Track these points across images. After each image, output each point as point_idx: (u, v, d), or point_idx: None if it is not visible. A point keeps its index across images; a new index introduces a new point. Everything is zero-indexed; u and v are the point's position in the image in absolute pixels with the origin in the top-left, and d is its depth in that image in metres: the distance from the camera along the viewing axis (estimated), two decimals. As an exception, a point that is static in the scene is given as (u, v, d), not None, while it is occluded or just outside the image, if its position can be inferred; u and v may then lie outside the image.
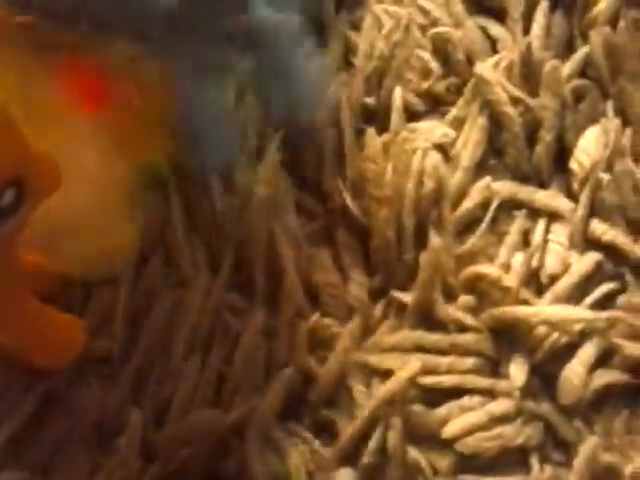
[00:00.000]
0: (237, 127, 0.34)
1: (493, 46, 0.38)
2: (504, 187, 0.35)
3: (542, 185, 0.36)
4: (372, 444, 0.29)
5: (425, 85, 0.38)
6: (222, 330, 0.32)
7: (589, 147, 0.36)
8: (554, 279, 0.33)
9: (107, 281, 0.32)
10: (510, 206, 0.35)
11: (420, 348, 0.32)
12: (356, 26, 0.39)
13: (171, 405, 0.31)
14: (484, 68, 0.37)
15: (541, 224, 0.34)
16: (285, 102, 0.33)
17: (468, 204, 0.35)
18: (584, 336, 0.32)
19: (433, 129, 0.36)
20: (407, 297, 0.33)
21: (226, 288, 0.33)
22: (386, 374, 0.31)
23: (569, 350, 0.32)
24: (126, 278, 0.32)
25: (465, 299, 0.33)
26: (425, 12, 0.39)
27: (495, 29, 0.39)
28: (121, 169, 0.31)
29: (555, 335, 0.31)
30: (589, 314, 0.32)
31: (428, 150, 0.35)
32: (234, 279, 0.33)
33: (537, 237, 0.34)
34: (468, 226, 0.35)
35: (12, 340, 0.29)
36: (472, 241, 0.34)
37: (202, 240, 0.33)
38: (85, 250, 0.30)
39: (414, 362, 0.31)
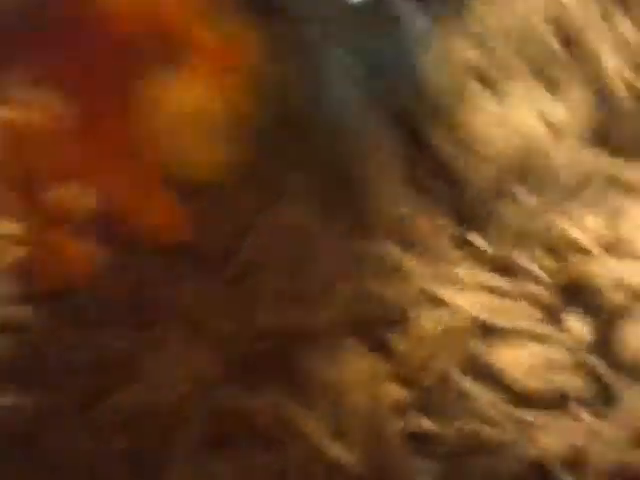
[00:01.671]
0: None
1: (614, 30, 0.39)
2: (601, 159, 0.36)
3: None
4: (433, 369, 0.31)
5: (543, 59, 0.39)
6: (307, 243, 0.35)
7: None
8: (628, 244, 0.33)
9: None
10: (604, 177, 0.35)
11: (490, 289, 0.33)
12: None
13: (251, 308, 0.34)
14: (603, 47, 0.38)
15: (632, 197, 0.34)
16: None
17: (569, 173, 0.35)
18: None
19: (542, 100, 0.37)
20: (487, 247, 0.34)
21: (317, 206, 0.36)
22: (452, 308, 0.32)
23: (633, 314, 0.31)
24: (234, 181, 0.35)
25: (540, 253, 0.34)
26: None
27: (619, 16, 0.39)
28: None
29: (622, 296, 0.31)
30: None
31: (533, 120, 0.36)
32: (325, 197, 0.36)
33: (625, 208, 0.34)
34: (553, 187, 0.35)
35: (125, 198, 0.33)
36: (552, 199, 0.35)
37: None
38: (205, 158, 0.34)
39: (480, 299, 0.32)
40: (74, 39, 0.29)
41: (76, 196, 0.35)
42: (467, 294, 0.33)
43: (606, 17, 0.39)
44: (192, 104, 0.33)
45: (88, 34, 0.29)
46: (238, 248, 0.35)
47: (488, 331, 0.31)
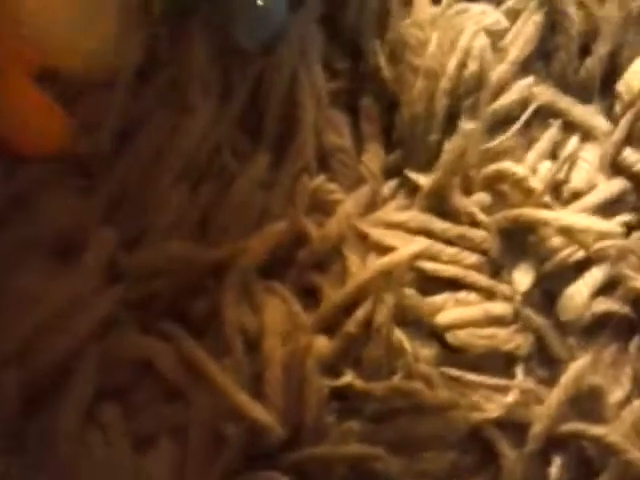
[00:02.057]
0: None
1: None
2: (545, 92, 0.33)
3: (584, 101, 0.33)
4: (358, 315, 0.27)
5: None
6: (218, 167, 0.29)
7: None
8: (577, 196, 0.31)
9: (101, 85, 0.29)
10: (547, 114, 0.33)
11: (426, 232, 0.29)
12: None
13: (147, 232, 0.28)
14: (553, -38, 0.34)
15: (574, 139, 0.32)
16: None
17: (506, 100, 0.32)
18: (595, 259, 0.30)
19: (487, 13, 0.33)
20: (422, 179, 0.31)
21: (233, 124, 0.30)
22: (385, 250, 0.29)
23: (577, 269, 0.30)
24: (122, 85, 0.29)
25: (482, 195, 0.31)
26: None
27: None
28: None
29: (568, 250, 0.30)
30: (612, 226, 0.30)
31: (478, 32, 0.32)
32: (244, 117, 0.30)
33: (567, 150, 0.32)
34: (501, 124, 0.32)
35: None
36: (502, 139, 0.32)
37: (219, 67, 0.30)
38: (81, 42, 0.28)
39: (417, 243, 0.28)
40: None
41: None
42: (401, 235, 0.29)
43: None
44: None
45: None
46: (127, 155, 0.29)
47: (423, 278, 0.28)
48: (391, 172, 0.31)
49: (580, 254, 0.30)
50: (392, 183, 0.31)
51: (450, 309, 0.28)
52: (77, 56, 0.29)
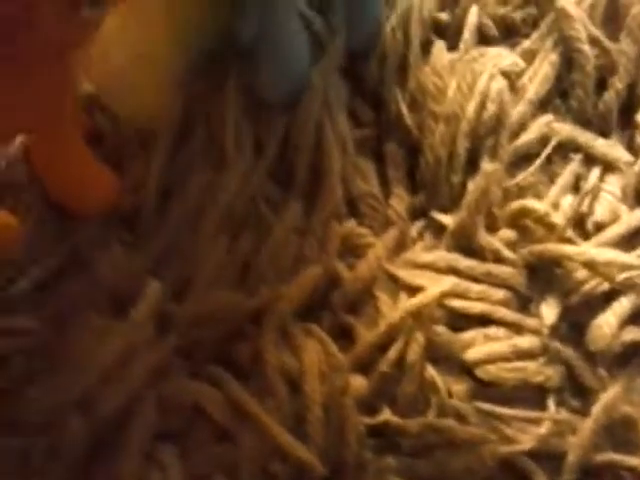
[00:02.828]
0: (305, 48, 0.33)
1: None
2: (564, 128, 0.34)
3: (603, 134, 0.34)
4: (391, 354, 0.29)
5: (502, 11, 0.36)
6: (255, 218, 0.31)
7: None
8: (601, 227, 0.32)
9: (144, 144, 0.32)
10: (567, 148, 0.34)
11: (453, 271, 0.31)
12: None
13: (193, 283, 0.30)
14: (567, 2, 0.35)
15: (595, 171, 0.33)
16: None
17: (526, 138, 0.33)
18: (621, 289, 0.31)
19: (503, 56, 0.35)
20: (447, 219, 0.32)
21: (266, 176, 0.32)
22: (415, 290, 0.30)
23: (604, 300, 0.31)
24: (164, 144, 0.31)
25: (507, 231, 0.32)
26: None
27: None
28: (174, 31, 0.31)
29: (593, 282, 0.30)
30: (635, 260, 0.30)
31: (495, 75, 0.34)
32: (276, 169, 0.32)
33: (590, 183, 0.33)
34: (522, 160, 0.33)
35: (53, 174, 0.30)
36: (524, 176, 0.33)
37: (250, 122, 0.32)
38: (128, 95, 0.30)
39: (445, 282, 0.30)
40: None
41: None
42: (430, 275, 0.31)
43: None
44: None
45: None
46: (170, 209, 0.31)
47: (453, 316, 0.30)
48: (417, 213, 0.33)
49: (606, 285, 0.30)
50: (419, 224, 0.32)
51: (480, 345, 0.29)
52: (122, 115, 0.32)
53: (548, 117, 0.34)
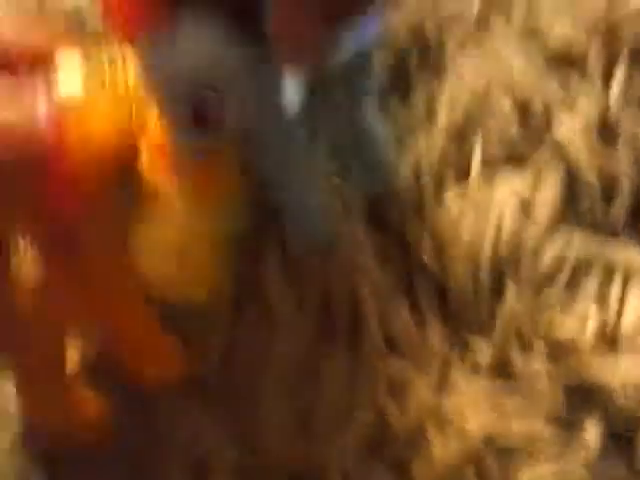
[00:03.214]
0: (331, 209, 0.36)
1: (573, 102, 0.39)
2: (581, 242, 0.36)
3: (618, 241, 0.36)
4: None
5: (506, 137, 0.39)
6: (308, 371, 0.34)
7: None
8: (631, 336, 0.34)
9: (204, 317, 0.36)
10: (586, 260, 0.36)
11: (495, 396, 0.33)
12: (439, 79, 0.40)
13: (256, 441, 0.33)
14: (563, 124, 0.38)
15: (618, 280, 0.35)
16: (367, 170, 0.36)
17: (545, 259, 0.36)
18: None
19: (512, 181, 0.38)
20: (483, 346, 0.34)
21: (312, 332, 0.35)
22: (460, 421, 0.33)
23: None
24: (223, 315, 0.35)
25: (540, 350, 0.34)
26: (506, 69, 0.40)
27: (575, 84, 0.40)
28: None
29: (633, 399, 0.32)
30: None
31: (506, 203, 0.37)
32: (319, 323, 0.35)
33: (614, 293, 0.35)
34: (545, 278, 0.36)
35: (124, 347, 0.33)
36: (548, 294, 0.35)
37: (291, 285, 0.36)
38: (180, 277, 0.33)
39: (488, 413, 0.32)
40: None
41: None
42: (473, 410, 0.33)
43: (564, 86, 0.40)
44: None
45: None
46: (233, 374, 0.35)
47: (500, 451, 0.32)
48: (453, 344, 0.35)
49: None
50: (456, 354, 0.35)
51: (526, 471, 0.31)
52: (179, 294, 0.35)
53: (563, 234, 0.36)
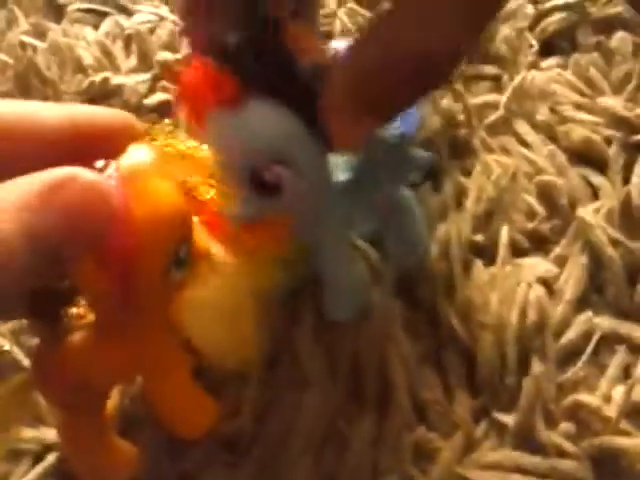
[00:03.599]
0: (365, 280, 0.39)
1: (594, 194, 0.42)
2: (605, 322, 0.38)
3: (643, 323, 0.38)
4: None
5: (530, 225, 0.42)
6: (335, 434, 0.35)
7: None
8: (656, 414, 0.34)
9: (239, 374, 0.37)
10: (611, 340, 0.37)
11: (520, 469, 0.33)
12: (467, 172, 0.44)
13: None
14: (586, 212, 0.41)
15: (642, 357, 0.36)
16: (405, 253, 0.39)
17: (570, 336, 0.37)
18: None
19: (537, 265, 0.40)
20: (509, 419, 0.35)
21: (341, 395, 0.36)
22: (486, 489, 0.33)
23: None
24: (256, 373, 0.37)
25: (565, 426, 0.35)
26: (531, 162, 0.44)
27: (596, 178, 0.43)
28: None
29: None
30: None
31: (532, 283, 0.39)
32: (349, 387, 0.37)
33: (639, 372, 0.36)
34: (569, 357, 0.37)
35: (161, 403, 0.34)
36: (573, 371, 0.36)
37: (324, 348, 0.37)
38: (221, 340, 0.34)
39: (514, 481, 0.32)
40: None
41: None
42: (497, 475, 0.33)
43: (585, 180, 0.43)
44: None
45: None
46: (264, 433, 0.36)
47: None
48: (480, 415, 0.36)
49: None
50: (483, 426, 0.36)
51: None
52: (224, 358, 0.37)
53: (588, 314, 0.38)
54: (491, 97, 0.47)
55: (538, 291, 0.38)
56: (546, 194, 0.42)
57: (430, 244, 0.41)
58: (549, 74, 0.46)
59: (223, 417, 0.36)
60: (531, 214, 0.42)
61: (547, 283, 0.39)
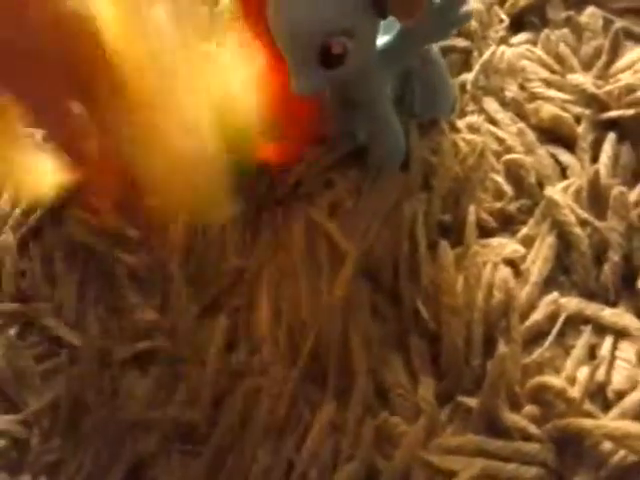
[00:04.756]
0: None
1: (563, 172, 0.41)
2: (571, 302, 0.37)
3: (610, 303, 0.37)
4: None
5: (498, 205, 0.41)
6: (295, 417, 0.34)
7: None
8: (621, 395, 0.34)
9: (195, 362, 0.36)
10: (577, 321, 0.37)
11: (483, 453, 0.33)
12: (435, 151, 0.43)
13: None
14: (554, 191, 0.40)
15: (608, 340, 0.35)
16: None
17: (536, 317, 0.36)
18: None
19: (504, 245, 0.39)
20: (473, 402, 0.34)
21: (302, 379, 0.35)
22: (449, 474, 0.32)
23: (637, 471, 0.32)
24: (213, 360, 0.36)
25: (530, 408, 0.34)
26: (499, 140, 0.43)
27: (565, 157, 0.42)
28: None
29: (622, 452, 0.32)
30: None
31: (498, 264, 0.38)
32: (310, 371, 0.36)
33: (604, 352, 0.35)
34: (535, 338, 0.36)
35: None
36: (539, 352, 0.35)
37: (284, 331, 0.36)
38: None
39: (476, 465, 0.32)
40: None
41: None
42: (461, 458, 0.33)
43: (553, 156, 0.42)
44: None
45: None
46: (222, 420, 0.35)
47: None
48: (444, 399, 0.35)
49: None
50: (447, 409, 0.35)
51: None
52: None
53: (554, 295, 0.37)
54: (461, 77, 0.45)
55: (504, 272, 0.37)
56: (514, 173, 0.42)
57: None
58: (519, 50, 0.45)
59: (180, 404, 0.36)
60: (499, 193, 0.41)
61: (514, 264, 0.38)
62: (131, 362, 0.38)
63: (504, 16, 0.47)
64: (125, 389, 0.36)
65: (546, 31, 0.46)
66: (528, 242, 0.39)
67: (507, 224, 0.40)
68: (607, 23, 0.46)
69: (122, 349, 0.37)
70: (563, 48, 0.45)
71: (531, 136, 0.42)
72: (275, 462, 0.33)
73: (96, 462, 0.35)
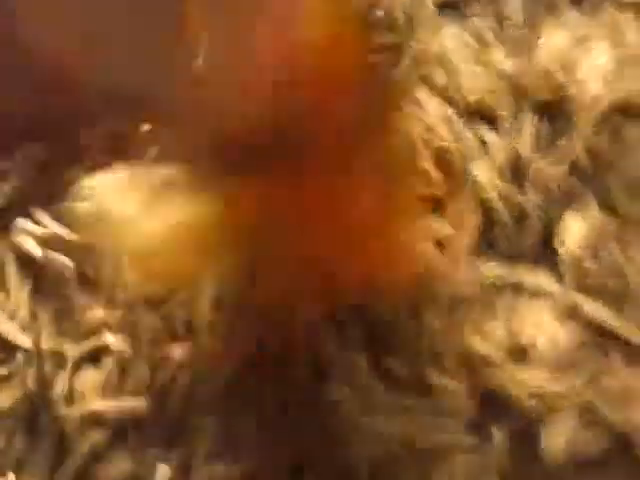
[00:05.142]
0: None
1: (488, 152, 0.44)
2: (494, 268, 0.39)
3: (529, 267, 0.39)
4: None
5: (428, 191, 0.43)
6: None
7: (575, 234, 0.40)
8: (538, 351, 0.36)
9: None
10: (499, 285, 0.39)
11: (409, 410, 0.35)
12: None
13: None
14: (478, 170, 0.42)
15: (526, 299, 0.38)
16: None
17: (459, 283, 0.39)
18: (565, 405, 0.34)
19: (429, 220, 0.42)
20: (399, 364, 0.37)
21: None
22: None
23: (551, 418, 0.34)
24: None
25: (455, 370, 0.37)
26: (428, 128, 0.45)
27: (490, 136, 0.44)
28: None
29: (535, 402, 0.34)
30: (567, 383, 0.34)
31: (425, 238, 0.40)
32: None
33: (522, 311, 0.38)
34: (459, 302, 0.39)
35: None
36: (462, 315, 0.38)
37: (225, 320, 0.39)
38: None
39: (406, 420, 0.34)
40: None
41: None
42: (389, 419, 0.35)
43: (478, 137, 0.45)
44: None
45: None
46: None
47: (417, 452, 0.34)
48: (375, 365, 0.38)
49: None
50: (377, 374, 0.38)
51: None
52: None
53: (477, 263, 0.40)
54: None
55: (429, 247, 0.40)
56: (442, 159, 0.44)
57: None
58: (446, 37, 0.48)
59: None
60: (428, 180, 0.44)
61: (441, 243, 0.41)
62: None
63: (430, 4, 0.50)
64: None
65: (472, 18, 0.49)
66: (456, 220, 0.42)
67: (436, 205, 0.43)
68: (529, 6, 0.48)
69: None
70: (487, 33, 0.48)
71: (458, 122, 0.45)
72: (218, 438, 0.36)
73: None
